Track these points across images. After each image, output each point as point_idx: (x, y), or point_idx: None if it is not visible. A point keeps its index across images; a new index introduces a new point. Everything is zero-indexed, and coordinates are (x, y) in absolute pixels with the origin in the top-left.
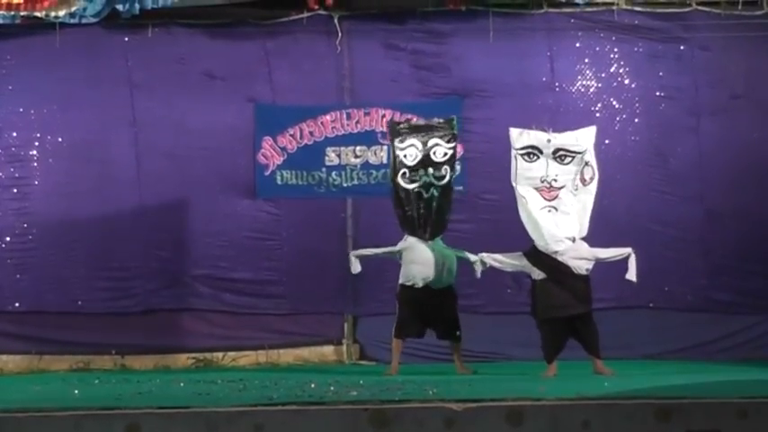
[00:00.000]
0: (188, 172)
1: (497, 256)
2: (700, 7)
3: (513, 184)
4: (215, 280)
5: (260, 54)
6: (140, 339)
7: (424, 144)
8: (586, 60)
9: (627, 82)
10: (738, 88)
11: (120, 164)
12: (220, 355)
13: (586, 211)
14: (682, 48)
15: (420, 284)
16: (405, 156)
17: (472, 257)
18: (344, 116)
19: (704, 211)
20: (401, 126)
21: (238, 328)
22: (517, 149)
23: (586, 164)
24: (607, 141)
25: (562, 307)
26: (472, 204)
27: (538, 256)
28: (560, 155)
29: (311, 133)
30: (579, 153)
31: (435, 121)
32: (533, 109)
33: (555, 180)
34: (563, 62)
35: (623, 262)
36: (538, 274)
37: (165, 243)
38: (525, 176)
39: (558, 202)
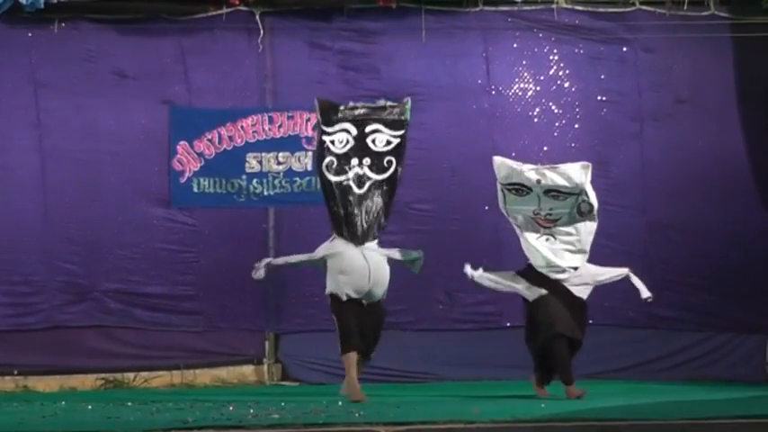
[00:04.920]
0: (97, 178)
1: (493, 275)
2: (643, 7)
3: (503, 212)
4: (126, 295)
5: (175, 52)
6: (44, 359)
7: (360, 129)
8: (524, 62)
9: (567, 85)
10: (683, 92)
11: (23, 169)
12: (131, 375)
13: (588, 237)
14: (624, 49)
15: (345, 299)
16: (332, 141)
17: (414, 253)
18: (266, 120)
19: (647, 223)
20: (331, 106)
21: (151, 346)
22: (503, 184)
23: (583, 201)
24: (546, 148)
25: (566, 325)
26: (402, 215)
27: (536, 275)
28: (552, 194)
29: (230, 138)
30: (574, 194)
31: (381, 102)
32: (468, 113)
33: (549, 214)
34: (499, 63)
35: None
36: (536, 294)
37: (71, 255)
38: (515, 208)
39: (556, 230)
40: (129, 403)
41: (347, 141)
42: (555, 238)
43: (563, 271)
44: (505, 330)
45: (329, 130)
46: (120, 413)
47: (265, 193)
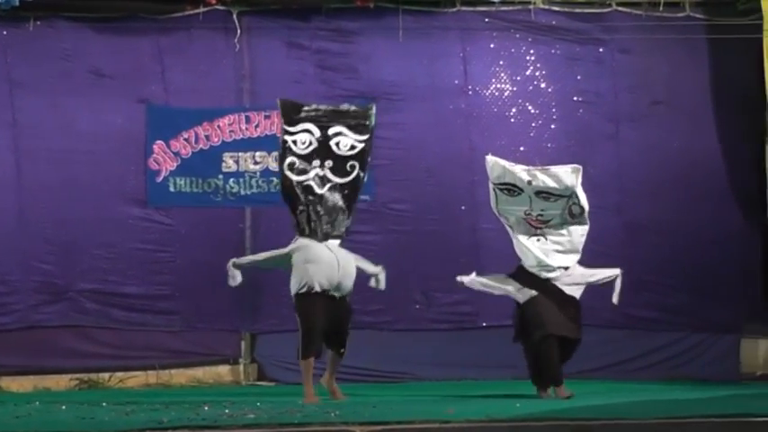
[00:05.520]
0: (73, 178)
1: (484, 279)
2: (620, 8)
3: (495, 213)
4: (102, 294)
5: (152, 51)
6: (19, 359)
7: (323, 131)
8: (501, 62)
9: (543, 86)
10: (659, 94)
11: None
12: (107, 375)
13: (579, 242)
14: (601, 50)
15: (318, 288)
16: (294, 142)
17: (372, 269)
18: (243, 119)
19: (624, 224)
20: (294, 107)
21: (127, 346)
22: (495, 184)
23: (574, 203)
24: (522, 148)
25: (559, 324)
26: (379, 215)
27: (528, 276)
28: (543, 196)
29: (207, 137)
30: (564, 196)
31: (345, 107)
32: (445, 113)
33: (541, 215)
34: (476, 64)
35: None
36: (527, 295)
37: (47, 255)
38: (507, 208)
39: (548, 231)
40: (104, 404)
41: (310, 143)
42: (546, 239)
43: (553, 270)
44: (482, 330)
45: (291, 129)
46: (94, 413)
47: (242, 192)
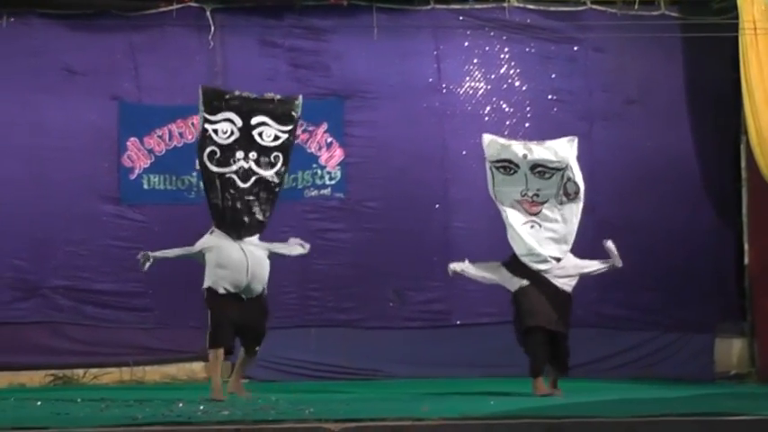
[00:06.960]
0: (46, 175)
1: (476, 266)
2: (594, 6)
3: (492, 197)
4: (76, 291)
5: (125, 48)
6: None
7: (246, 121)
8: (475, 60)
9: (517, 84)
10: (633, 93)
11: None
12: (81, 371)
13: (573, 226)
14: (575, 48)
15: (224, 292)
16: (215, 131)
17: (296, 251)
18: None
19: (596, 222)
20: (216, 94)
21: (101, 343)
22: (491, 162)
23: (569, 179)
24: None
25: (545, 317)
26: (352, 212)
27: (520, 266)
28: (539, 170)
29: (181, 135)
30: (560, 170)
31: (269, 96)
32: (419, 111)
33: (537, 195)
34: (450, 62)
35: None
36: (517, 285)
37: (20, 251)
38: (503, 190)
39: (542, 216)
40: (79, 400)
41: (231, 132)
42: (540, 226)
43: (544, 260)
44: (454, 328)
45: (212, 118)
46: (69, 410)
47: None
